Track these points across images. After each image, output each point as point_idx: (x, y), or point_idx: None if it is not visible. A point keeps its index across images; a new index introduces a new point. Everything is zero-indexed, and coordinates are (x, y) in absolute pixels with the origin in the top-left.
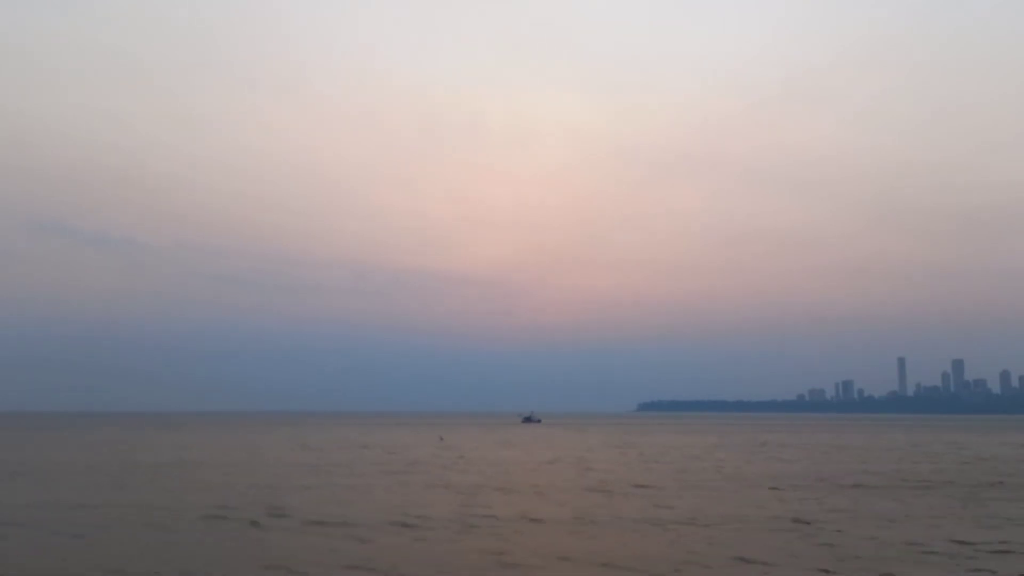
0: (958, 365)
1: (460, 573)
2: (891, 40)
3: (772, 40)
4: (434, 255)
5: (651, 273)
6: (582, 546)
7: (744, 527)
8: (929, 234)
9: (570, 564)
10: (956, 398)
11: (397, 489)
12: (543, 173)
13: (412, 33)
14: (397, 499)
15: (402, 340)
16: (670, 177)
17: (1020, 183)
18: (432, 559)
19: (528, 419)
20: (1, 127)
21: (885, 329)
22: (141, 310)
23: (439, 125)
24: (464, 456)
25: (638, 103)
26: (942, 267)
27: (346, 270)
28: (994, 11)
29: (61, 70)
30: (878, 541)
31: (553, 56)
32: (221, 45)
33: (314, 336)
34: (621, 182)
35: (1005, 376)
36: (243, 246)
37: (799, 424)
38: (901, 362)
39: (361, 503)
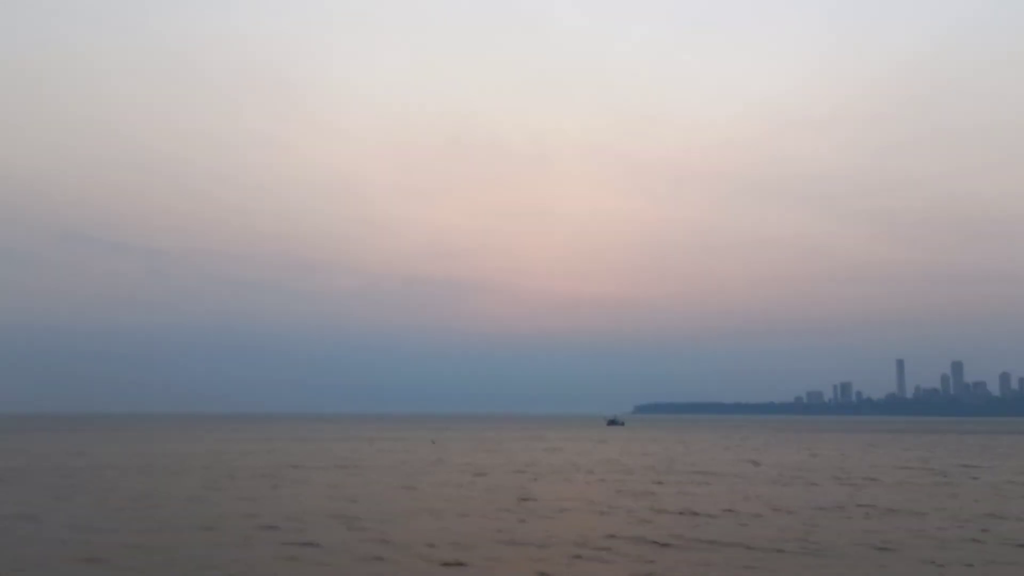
0: (957, 367)
1: None
2: (887, 63)
3: (775, 64)
4: (446, 263)
5: (653, 277)
6: None
7: None
8: (928, 238)
9: None
10: (955, 400)
11: None
12: (557, 187)
13: (438, 59)
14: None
15: (412, 343)
16: (677, 189)
17: (1014, 188)
18: None
19: (612, 422)
20: (29, 144)
21: (884, 331)
22: (160, 313)
23: (461, 143)
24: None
25: (649, 122)
26: (941, 269)
27: (359, 277)
28: (983, 38)
29: (88, 91)
30: None
31: (569, 79)
32: (247, 67)
33: (329, 339)
34: (631, 194)
35: (1005, 378)
36: (259, 253)
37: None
38: (900, 364)
39: None
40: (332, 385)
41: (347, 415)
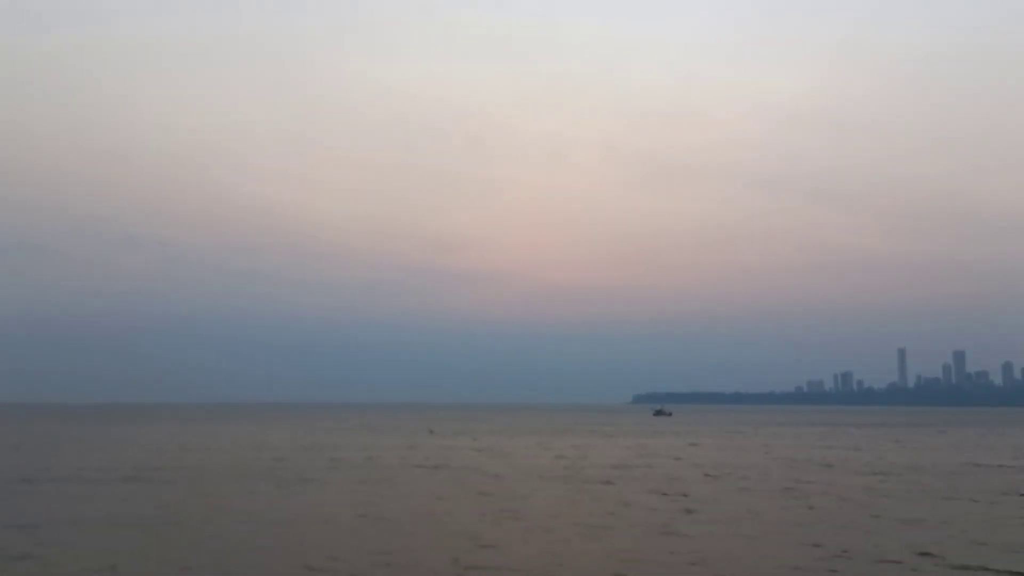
0: (959, 356)
1: None
2: (895, 65)
3: (784, 64)
4: (453, 256)
5: (659, 269)
6: None
7: None
8: (930, 229)
9: None
10: (957, 390)
11: None
12: (568, 183)
13: (456, 59)
14: None
15: (415, 333)
16: (686, 185)
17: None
18: None
19: (659, 412)
20: (44, 139)
21: (885, 319)
22: (170, 304)
23: (475, 141)
24: None
25: (661, 121)
26: (943, 259)
27: (366, 269)
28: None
29: (98, 85)
30: None
31: (583, 80)
32: (263, 63)
33: (337, 328)
34: (641, 189)
35: (1007, 368)
36: (266, 244)
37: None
38: (901, 353)
39: None
40: (336, 374)
41: (352, 404)
